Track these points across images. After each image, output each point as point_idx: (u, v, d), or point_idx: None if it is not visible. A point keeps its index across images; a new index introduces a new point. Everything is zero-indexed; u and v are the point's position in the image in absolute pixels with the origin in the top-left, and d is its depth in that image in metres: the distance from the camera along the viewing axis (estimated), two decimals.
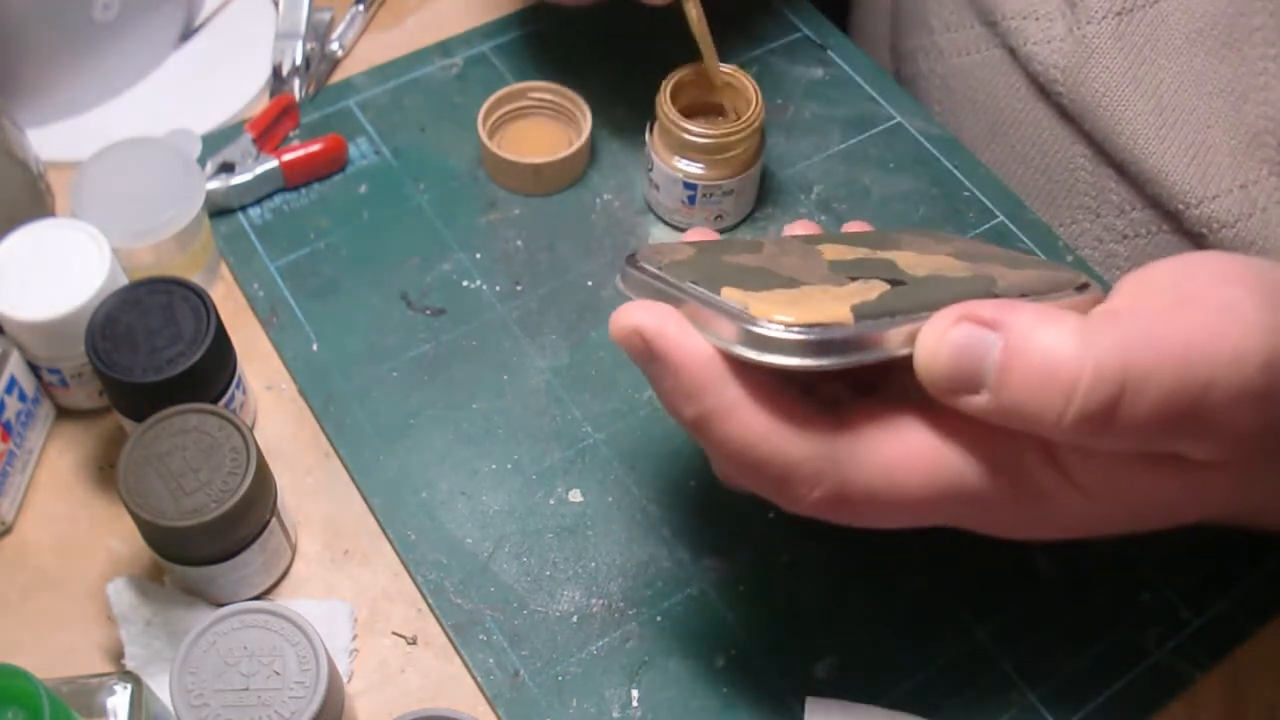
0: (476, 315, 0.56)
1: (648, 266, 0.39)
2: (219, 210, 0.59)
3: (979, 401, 0.36)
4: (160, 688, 0.43)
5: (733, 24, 0.67)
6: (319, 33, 0.65)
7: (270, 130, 0.61)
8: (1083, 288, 0.41)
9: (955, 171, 0.62)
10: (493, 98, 0.61)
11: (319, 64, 0.65)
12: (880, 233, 0.47)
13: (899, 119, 0.64)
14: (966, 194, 0.61)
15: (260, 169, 0.59)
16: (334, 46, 0.66)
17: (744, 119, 0.56)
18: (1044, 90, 0.61)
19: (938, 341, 0.36)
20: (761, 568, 0.50)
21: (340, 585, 0.49)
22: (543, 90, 0.62)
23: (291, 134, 0.62)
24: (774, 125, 0.62)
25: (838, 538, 0.50)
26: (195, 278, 0.55)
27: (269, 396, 0.54)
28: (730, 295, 0.36)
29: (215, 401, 0.48)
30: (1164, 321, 0.35)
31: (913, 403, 0.38)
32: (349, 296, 0.56)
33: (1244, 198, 0.53)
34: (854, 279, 0.38)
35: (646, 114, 0.58)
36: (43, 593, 0.49)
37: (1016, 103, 0.63)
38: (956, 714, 0.47)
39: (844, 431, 0.37)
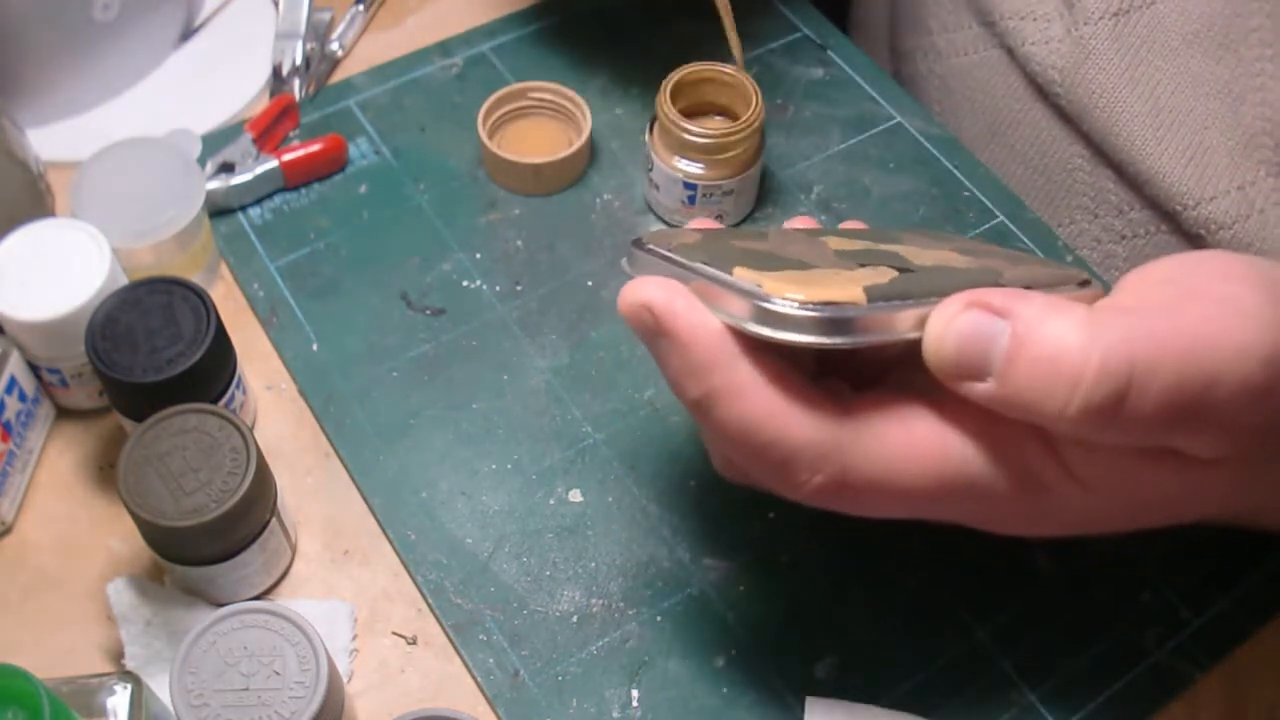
0: (476, 315, 0.56)
1: (656, 248, 0.39)
2: (219, 210, 0.59)
3: (984, 389, 0.36)
4: (160, 688, 0.43)
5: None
6: (319, 33, 0.65)
7: (270, 130, 0.61)
8: (1084, 284, 0.41)
9: (955, 171, 0.62)
10: (493, 98, 0.61)
11: (319, 64, 0.65)
12: (879, 230, 0.48)
13: (899, 119, 0.64)
14: (966, 194, 0.61)
15: (260, 169, 0.59)
16: (334, 46, 0.66)
17: (744, 119, 0.56)
18: (1042, 91, 0.61)
19: (946, 326, 0.36)
20: (761, 568, 0.50)
21: (340, 585, 0.49)
22: (543, 90, 0.62)
23: (291, 134, 0.62)
24: (774, 125, 0.62)
25: (838, 538, 0.50)
26: (195, 278, 0.55)
27: (269, 396, 0.54)
28: (742, 275, 0.36)
29: (215, 401, 0.48)
30: (1169, 316, 0.35)
31: (917, 394, 0.38)
32: (349, 296, 0.56)
33: (1241, 199, 0.53)
34: (863, 266, 0.39)
35: (646, 114, 0.58)
36: (43, 593, 0.49)
37: (1014, 103, 0.63)
38: (956, 714, 0.47)
39: (849, 418, 0.37)
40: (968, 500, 0.38)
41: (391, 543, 0.50)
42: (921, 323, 0.36)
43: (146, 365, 0.46)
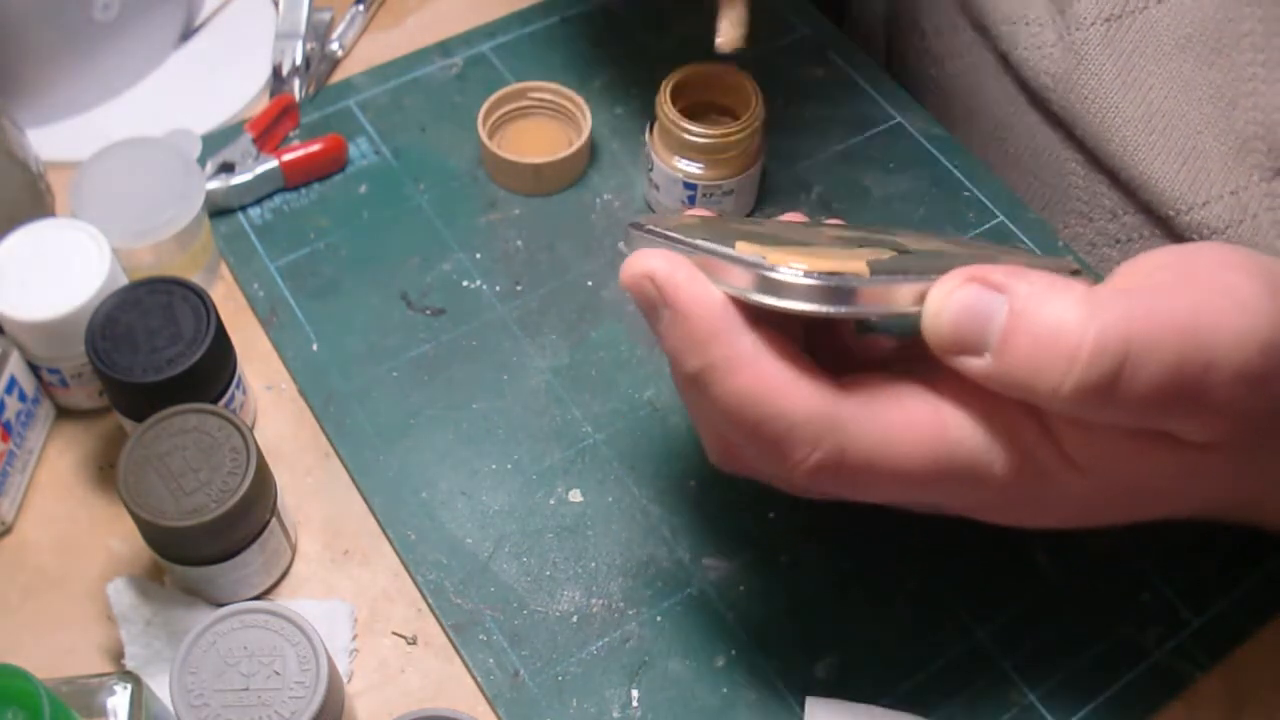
0: (476, 315, 0.56)
1: (654, 227, 0.39)
2: (219, 210, 0.59)
3: (980, 364, 0.36)
4: (160, 688, 0.43)
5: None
6: (319, 33, 0.65)
7: (270, 130, 0.61)
8: (1074, 274, 0.42)
9: (955, 171, 0.62)
10: (493, 98, 0.61)
11: (319, 64, 0.65)
12: (872, 225, 0.48)
13: (899, 119, 0.64)
14: (966, 194, 0.61)
15: (260, 169, 0.59)
16: (334, 46, 0.66)
17: (744, 119, 0.56)
18: (1035, 96, 0.61)
19: (945, 299, 0.36)
20: (761, 568, 0.50)
21: (340, 585, 0.49)
22: (543, 90, 0.62)
23: (291, 134, 0.62)
24: (774, 125, 0.62)
25: (838, 537, 0.50)
26: (195, 278, 0.55)
27: (269, 396, 0.54)
28: (745, 249, 0.36)
29: (215, 401, 0.48)
30: (1167, 298, 0.35)
31: (915, 376, 0.38)
32: (349, 296, 0.56)
33: (1234, 204, 0.53)
34: (862, 247, 0.39)
35: (646, 114, 0.58)
36: (43, 593, 0.49)
37: (1008, 107, 0.63)
38: (956, 714, 0.47)
39: (847, 395, 0.37)
40: (964, 484, 0.38)
41: (391, 543, 0.50)
42: (921, 297, 0.37)
43: (146, 365, 0.46)
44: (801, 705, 0.46)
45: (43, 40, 0.59)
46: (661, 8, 0.68)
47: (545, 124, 0.62)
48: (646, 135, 0.58)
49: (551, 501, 0.51)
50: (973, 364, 0.36)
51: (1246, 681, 0.48)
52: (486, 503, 0.51)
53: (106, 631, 0.48)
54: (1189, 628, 0.49)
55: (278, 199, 0.60)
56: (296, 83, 0.63)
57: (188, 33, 0.66)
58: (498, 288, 0.57)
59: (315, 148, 0.59)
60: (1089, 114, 0.57)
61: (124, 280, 0.49)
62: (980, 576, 0.49)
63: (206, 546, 0.44)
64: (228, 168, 0.59)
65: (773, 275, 0.35)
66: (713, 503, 0.51)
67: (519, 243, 0.59)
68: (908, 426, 0.37)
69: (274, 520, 0.46)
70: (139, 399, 0.46)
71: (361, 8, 0.67)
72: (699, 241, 0.37)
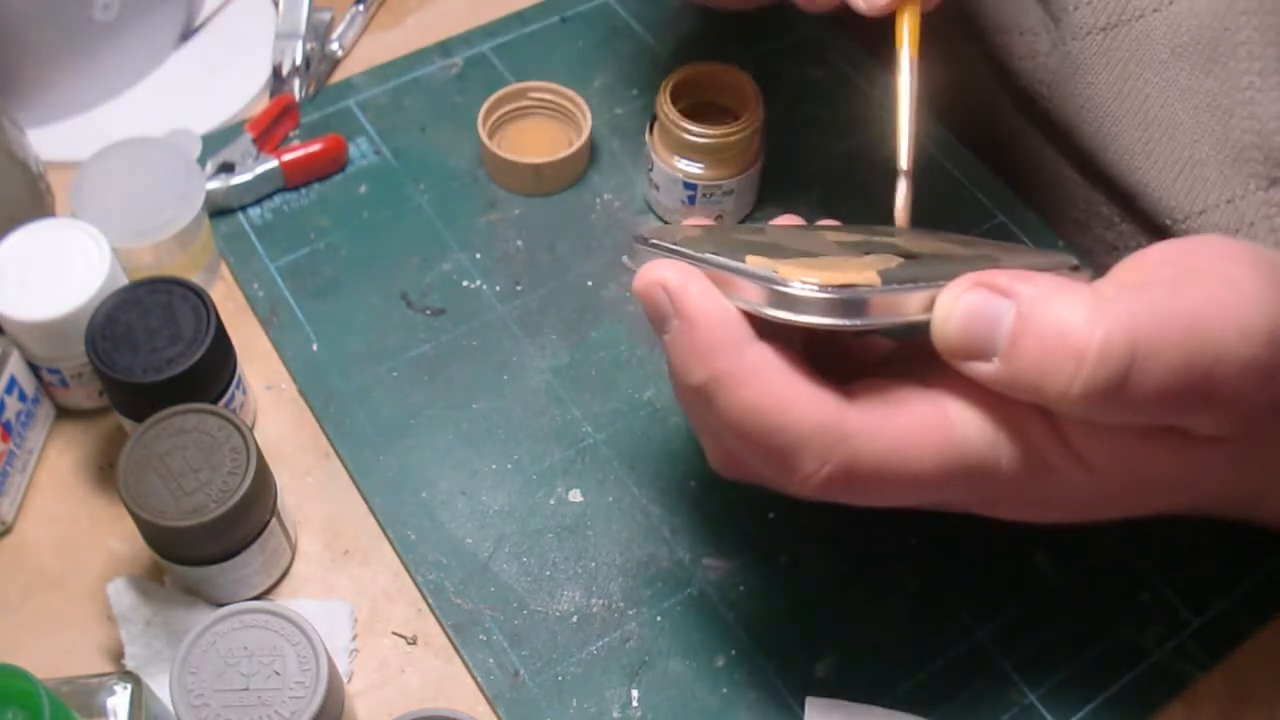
0: (476, 315, 0.56)
1: (660, 242, 0.39)
2: (219, 210, 0.59)
3: (989, 369, 0.36)
4: (160, 688, 0.43)
5: (733, 24, 0.67)
6: (319, 33, 0.65)
7: (270, 130, 0.61)
8: (1074, 270, 0.42)
9: (955, 171, 0.62)
10: (493, 98, 0.61)
11: (319, 64, 0.65)
12: (866, 226, 0.48)
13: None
14: (966, 194, 0.61)
15: (260, 169, 0.59)
16: (334, 46, 0.66)
17: (744, 119, 0.56)
18: (1030, 104, 0.61)
19: (952, 305, 0.36)
20: (761, 568, 0.50)
21: (340, 585, 0.49)
22: (543, 90, 0.62)
23: (291, 134, 0.62)
24: (774, 125, 0.62)
25: (838, 538, 0.50)
26: (195, 278, 0.55)
27: (269, 396, 0.54)
28: (755, 262, 0.36)
29: (215, 401, 0.48)
30: (1171, 294, 0.35)
31: (916, 374, 0.38)
32: (349, 296, 0.56)
33: (1231, 212, 0.53)
34: (867, 254, 0.39)
35: (646, 114, 0.58)
36: (43, 593, 0.49)
37: (1003, 115, 0.63)
38: (956, 714, 0.47)
39: (853, 404, 0.37)
40: (972, 483, 0.38)
41: (391, 543, 0.50)
42: (930, 305, 0.37)
43: (146, 365, 0.46)
44: (801, 705, 0.46)
45: (43, 40, 0.59)
46: (661, 7, 0.68)
47: (545, 124, 0.62)
48: (646, 135, 0.58)
49: (551, 501, 0.51)
50: (982, 369, 0.36)
51: (1246, 681, 0.48)
52: (486, 503, 0.51)
53: (106, 631, 0.48)
54: (1189, 628, 0.49)
55: (278, 199, 0.60)
56: (296, 83, 0.63)
57: (188, 33, 0.66)
58: (498, 288, 0.57)
59: (315, 148, 0.59)
60: (1085, 123, 0.57)
61: (124, 280, 0.49)
62: (980, 576, 0.49)
63: (206, 546, 0.44)
64: (228, 168, 0.59)
65: (786, 290, 0.35)
66: (713, 503, 0.51)
67: (519, 243, 0.59)
68: (915, 430, 0.37)
69: (274, 520, 0.46)
70: (139, 399, 0.46)
71: (361, 8, 0.67)
72: (708, 255, 0.37)
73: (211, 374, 0.48)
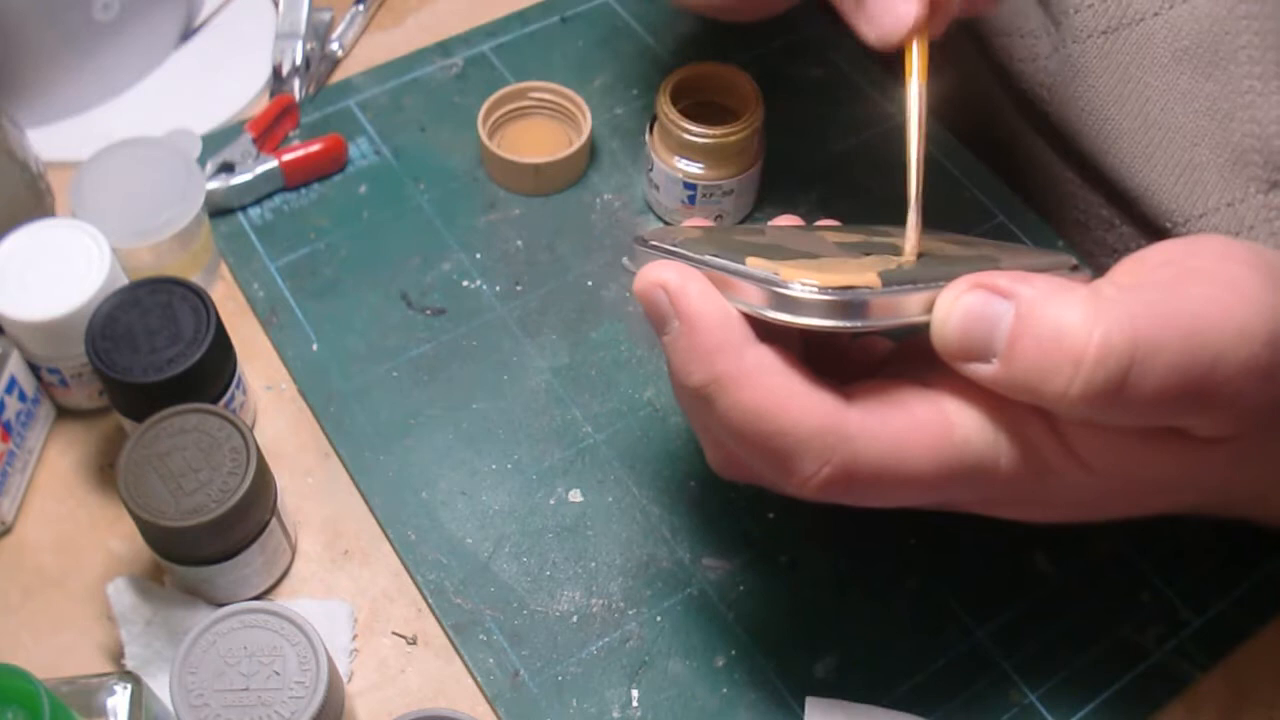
0: (476, 315, 0.56)
1: (660, 244, 0.39)
2: (219, 210, 0.59)
3: (988, 370, 0.36)
4: (160, 688, 0.43)
5: (733, 24, 0.67)
6: (319, 33, 0.65)
7: (270, 130, 0.61)
8: (1074, 270, 0.42)
9: (955, 172, 0.62)
10: (493, 98, 0.61)
11: (319, 64, 0.65)
12: (864, 226, 0.48)
13: (899, 119, 0.64)
14: (966, 194, 0.61)
15: (260, 169, 0.59)
16: (334, 46, 0.66)
17: (744, 119, 0.56)
18: (1031, 107, 0.61)
19: (951, 307, 0.36)
20: (761, 568, 0.50)
21: (340, 585, 0.49)
22: (543, 90, 0.62)
23: (291, 134, 0.62)
24: (774, 125, 0.62)
25: (838, 538, 0.50)
26: (195, 278, 0.55)
27: (269, 396, 0.54)
28: (756, 264, 0.36)
29: (215, 401, 0.48)
30: (1170, 295, 0.35)
31: (916, 380, 0.38)
32: (349, 296, 0.56)
33: (1231, 215, 0.53)
34: (867, 255, 0.39)
35: (646, 114, 0.58)
36: (43, 593, 0.49)
37: (1004, 117, 0.63)
38: (956, 714, 0.47)
39: (852, 405, 0.37)
40: (972, 483, 0.38)
41: (391, 543, 0.50)
42: (929, 306, 0.37)
43: (146, 365, 0.46)
44: (801, 705, 0.46)
45: (43, 40, 0.59)
46: (661, 7, 0.68)
47: (545, 124, 0.62)
48: (646, 135, 0.58)
49: (551, 501, 0.51)
50: (981, 370, 0.36)
51: (1246, 681, 0.48)
52: (486, 503, 0.51)
53: (106, 631, 0.48)
54: (1189, 628, 0.49)
55: (278, 199, 0.60)
56: (296, 83, 0.63)
57: (188, 33, 0.66)
58: (498, 288, 0.57)
59: (315, 148, 0.59)
60: (1085, 126, 0.57)
61: (124, 280, 0.49)
62: (980, 576, 0.49)
63: (206, 546, 0.44)
64: (228, 168, 0.59)
65: (786, 292, 0.35)
66: (713, 503, 0.51)
67: (519, 243, 0.59)
68: (915, 431, 0.37)
69: (274, 520, 0.46)
70: (139, 399, 0.46)
71: (361, 8, 0.67)
72: (708, 257, 0.37)
73: (211, 374, 0.48)
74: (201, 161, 0.59)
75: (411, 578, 0.49)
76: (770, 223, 0.46)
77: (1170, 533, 0.50)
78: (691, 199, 0.58)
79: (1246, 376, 0.35)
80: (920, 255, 0.40)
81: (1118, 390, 0.34)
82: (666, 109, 0.56)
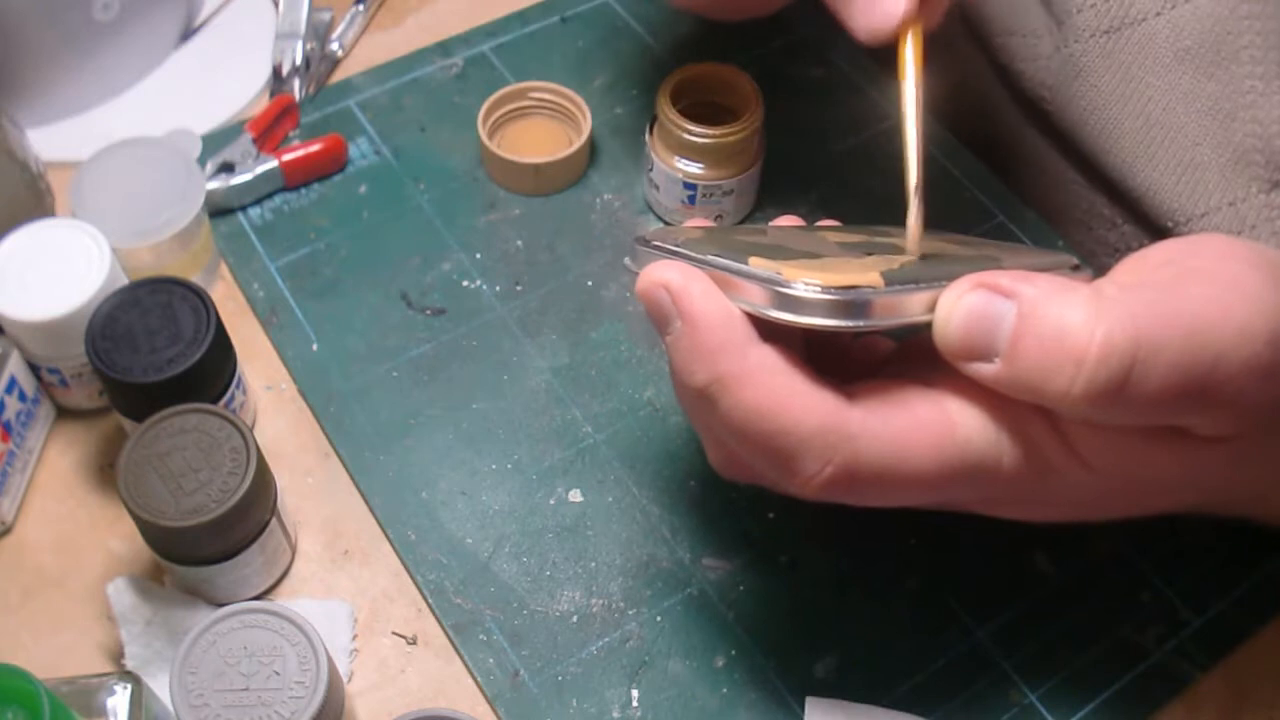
0: (476, 315, 0.56)
1: (662, 244, 0.39)
2: (219, 210, 0.59)
3: (991, 370, 0.36)
4: (160, 688, 0.43)
5: (733, 24, 0.67)
6: (319, 33, 0.65)
7: (270, 130, 0.61)
8: (1075, 269, 0.42)
9: (955, 172, 0.62)
10: (493, 98, 0.61)
11: (319, 64, 0.65)
12: (865, 226, 0.48)
13: (899, 118, 0.64)
14: (967, 194, 0.61)
15: (260, 169, 0.59)
16: (334, 46, 0.66)
17: (744, 119, 0.56)
18: (1033, 107, 0.61)
19: (953, 306, 0.36)
20: (761, 568, 0.50)
21: (340, 585, 0.49)
22: (543, 90, 0.62)
23: (291, 134, 0.62)
24: (774, 125, 0.62)
25: (838, 538, 0.50)
26: (195, 278, 0.55)
27: (269, 396, 0.54)
28: (758, 264, 0.36)
29: (215, 401, 0.48)
30: (1172, 294, 0.35)
31: (918, 380, 0.38)
32: (349, 296, 0.56)
33: (1233, 215, 0.53)
34: (869, 255, 0.39)
35: (646, 114, 0.58)
36: (43, 593, 0.49)
37: (1006, 117, 0.63)
38: (956, 714, 0.47)
39: (854, 405, 0.37)
40: (974, 483, 0.38)
41: (391, 543, 0.50)
42: (932, 306, 0.37)
43: (146, 365, 0.46)
44: (801, 705, 0.46)
45: (43, 40, 0.59)
46: (661, 7, 0.68)
47: (545, 124, 0.62)
48: (646, 135, 0.58)
49: (551, 501, 0.51)
50: (983, 370, 0.36)
51: (1246, 681, 0.48)
52: (486, 503, 0.51)
53: (106, 631, 0.48)
54: (1189, 628, 0.49)
55: (278, 199, 0.60)
56: (296, 83, 0.63)
57: (188, 33, 0.66)
58: (498, 288, 0.57)
59: (315, 148, 0.59)
60: (1087, 126, 0.57)
61: (124, 280, 0.49)
62: (980, 576, 0.49)
63: (206, 546, 0.44)
64: (228, 168, 0.59)
65: (789, 291, 0.35)
66: (713, 503, 0.51)
67: (519, 243, 0.59)
68: (917, 430, 0.37)
69: (274, 520, 0.46)
70: (139, 399, 0.46)
71: (361, 8, 0.67)
72: (710, 257, 0.37)
73: (211, 374, 0.48)
74: (201, 161, 0.59)
75: (411, 578, 0.49)
76: (771, 223, 0.46)
77: (1170, 533, 0.50)
78: (691, 199, 0.58)
79: (1248, 376, 0.35)
80: (922, 256, 0.40)
81: (1120, 389, 0.34)
82: (666, 109, 0.56)
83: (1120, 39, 0.54)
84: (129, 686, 0.40)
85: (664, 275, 0.37)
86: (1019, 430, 0.38)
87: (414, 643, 0.48)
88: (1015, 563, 0.50)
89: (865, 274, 0.36)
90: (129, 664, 0.46)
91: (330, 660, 0.41)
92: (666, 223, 0.60)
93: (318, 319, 0.56)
